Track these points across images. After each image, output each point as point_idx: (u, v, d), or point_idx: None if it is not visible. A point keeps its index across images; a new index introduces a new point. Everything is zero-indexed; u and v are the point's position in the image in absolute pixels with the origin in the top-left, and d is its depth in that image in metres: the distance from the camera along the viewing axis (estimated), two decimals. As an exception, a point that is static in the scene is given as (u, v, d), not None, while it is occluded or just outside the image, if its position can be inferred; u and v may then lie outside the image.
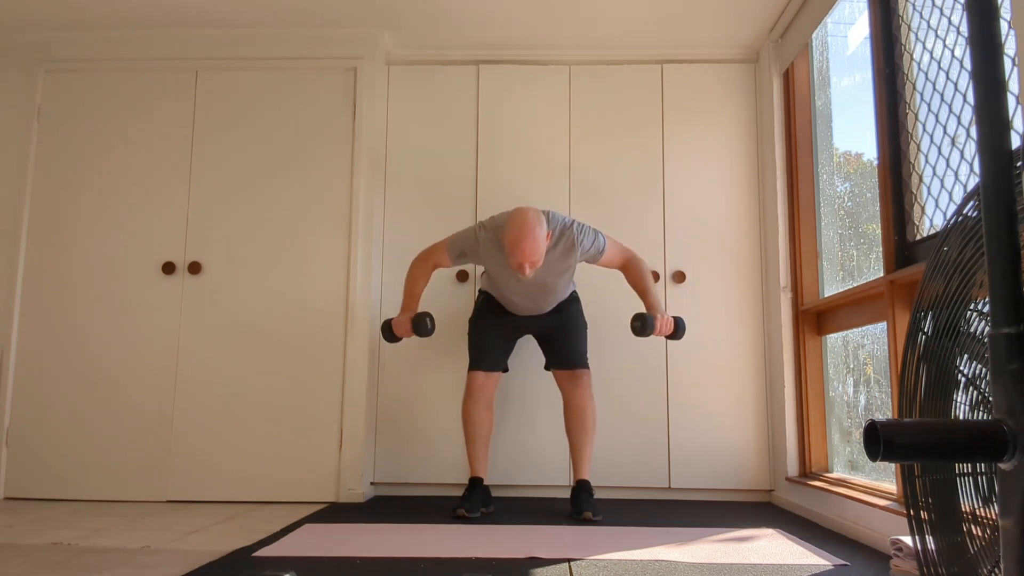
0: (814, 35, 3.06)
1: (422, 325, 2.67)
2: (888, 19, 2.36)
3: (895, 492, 2.27)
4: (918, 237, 2.20)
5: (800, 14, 3.00)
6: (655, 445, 3.24)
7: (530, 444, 3.26)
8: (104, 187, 3.29)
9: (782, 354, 3.08)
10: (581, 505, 2.68)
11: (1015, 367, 0.89)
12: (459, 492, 3.17)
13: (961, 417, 1.15)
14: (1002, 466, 0.90)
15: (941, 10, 2.02)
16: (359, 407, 3.13)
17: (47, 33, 3.35)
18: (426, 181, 3.43)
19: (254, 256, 3.24)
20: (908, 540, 1.83)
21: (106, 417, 3.15)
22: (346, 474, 3.08)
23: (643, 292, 2.78)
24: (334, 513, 2.77)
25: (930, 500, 1.21)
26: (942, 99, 2.02)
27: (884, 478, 2.48)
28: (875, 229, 2.59)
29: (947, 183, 1.99)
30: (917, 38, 2.21)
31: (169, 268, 3.22)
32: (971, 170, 1.86)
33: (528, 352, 3.21)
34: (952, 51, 1.97)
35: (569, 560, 2.00)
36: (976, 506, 1.10)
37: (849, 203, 2.94)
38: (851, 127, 2.89)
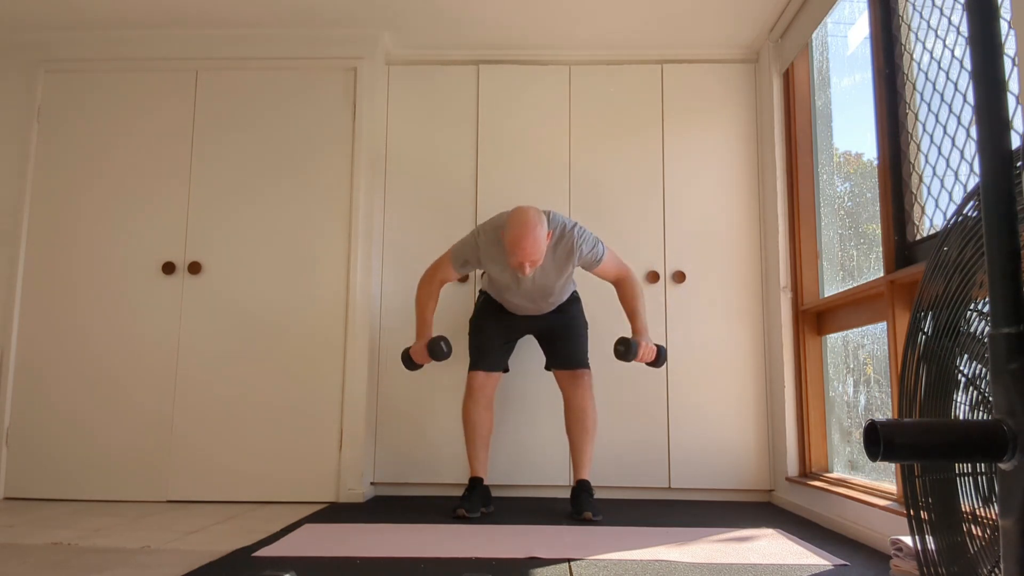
0: (814, 35, 3.06)
1: (437, 350, 2.68)
2: (888, 19, 2.36)
3: (895, 492, 2.27)
4: (918, 237, 2.20)
5: (800, 14, 3.00)
6: (655, 445, 3.24)
7: (530, 444, 3.26)
8: (104, 187, 3.30)
9: (782, 354, 3.08)
10: (581, 505, 2.68)
11: (1015, 367, 0.89)
12: (459, 492, 3.16)
13: (961, 417, 1.15)
14: (1002, 466, 0.90)
15: (941, 10, 2.02)
16: (359, 407, 3.13)
17: (47, 33, 3.35)
18: (426, 181, 3.43)
19: (254, 256, 3.24)
20: (908, 540, 1.83)
21: (106, 417, 3.15)
22: (346, 474, 3.08)
23: (632, 313, 2.76)
24: (334, 513, 2.77)
25: (930, 500, 1.21)
26: (942, 99, 2.02)
27: (884, 478, 2.48)
28: (875, 229, 2.59)
29: (947, 183, 1.99)
30: (917, 38, 2.21)
31: (169, 268, 3.22)
32: (971, 170, 1.86)
33: (528, 352, 3.21)
34: (952, 51, 1.97)
35: (569, 560, 2.00)
36: (976, 506, 1.10)
37: (849, 203, 2.94)
38: (851, 127, 2.89)
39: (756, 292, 3.32)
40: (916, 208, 2.22)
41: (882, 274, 2.30)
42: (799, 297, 3.07)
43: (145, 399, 3.16)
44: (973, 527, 1.10)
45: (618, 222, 3.36)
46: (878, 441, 0.88)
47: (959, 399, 1.15)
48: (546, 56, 3.48)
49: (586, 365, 2.88)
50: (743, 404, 3.26)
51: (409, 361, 2.76)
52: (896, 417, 1.24)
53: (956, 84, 1.94)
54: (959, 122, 1.93)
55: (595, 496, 2.84)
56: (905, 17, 2.30)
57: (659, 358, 2.73)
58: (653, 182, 3.39)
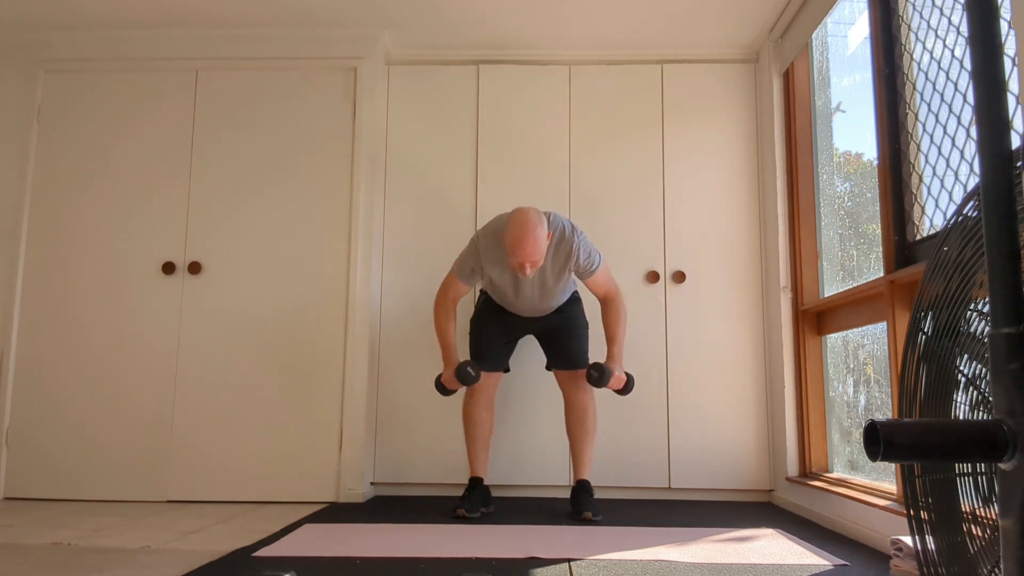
0: (814, 35, 3.06)
1: (465, 376, 2.70)
2: (888, 19, 2.36)
3: (895, 492, 2.27)
4: (918, 237, 2.20)
5: (800, 14, 3.00)
6: (655, 445, 3.24)
7: (530, 444, 3.26)
8: (104, 187, 3.30)
9: (782, 354, 3.08)
10: (581, 505, 2.68)
11: (1015, 367, 0.89)
12: (459, 492, 3.16)
13: (961, 417, 1.15)
14: (1002, 466, 0.90)
15: (941, 10, 2.02)
16: (359, 407, 3.13)
17: (47, 33, 3.35)
18: (426, 181, 3.43)
19: (254, 256, 3.24)
20: (908, 540, 1.83)
21: (106, 417, 3.15)
22: (346, 474, 3.09)
23: (612, 338, 2.76)
24: (334, 513, 2.77)
25: (930, 500, 1.21)
26: (942, 99, 2.02)
27: (884, 478, 2.48)
28: (875, 229, 2.59)
29: (947, 183, 1.99)
30: (917, 38, 2.21)
31: (169, 268, 3.22)
32: (971, 170, 1.86)
33: (528, 352, 3.21)
34: (952, 51, 1.97)
35: (569, 560, 2.00)
36: (976, 506, 1.09)
37: (849, 203, 2.94)
38: (851, 127, 2.89)
39: (756, 292, 3.32)
40: (916, 208, 2.22)
41: (882, 274, 2.30)
42: (799, 297, 3.07)
43: (145, 399, 3.16)
44: (973, 527, 1.10)
45: (618, 222, 3.36)
46: (878, 441, 0.88)
47: (959, 399, 1.15)
48: (546, 56, 3.48)
49: (587, 365, 2.88)
50: (743, 404, 3.26)
51: (443, 388, 2.80)
52: (896, 417, 1.23)
53: (956, 84, 1.94)
54: (959, 122, 1.93)
55: (595, 496, 2.84)
56: (905, 17, 2.30)
57: (626, 387, 2.77)
58: (653, 182, 3.39)
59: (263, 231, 3.26)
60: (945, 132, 2.00)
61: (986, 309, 1.10)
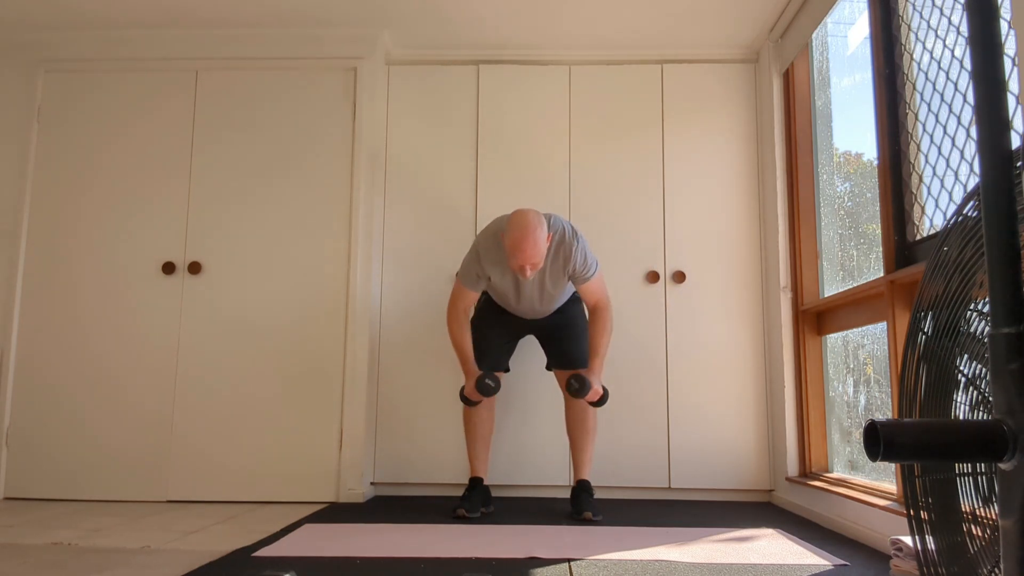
0: (814, 35, 3.06)
1: (485, 388, 2.71)
2: (888, 19, 2.36)
3: (895, 492, 2.27)
4: (918, 237, 2.20)
5: (800, 14, 3.00)
6: (655, 445, 3.24)
7: (530, 444, 3.26)
8: (104, 187, 3.30)
9: (782, 354, 3.08)
10: (581, 505, 2.68)
11: (1015, 367, 0.89)
12: (459, 492, 3.17)
13: (961, 417, 1.15)
14: (1002, 466, 0.90)
15: (941, 10, 2.02)
16: (359, 407, 3.13)
17: (47, 33, 3.35)
18: (426, 181, 3.43)
19: (254, 256, 3.24)
20: (908, 540, 1.83)
21: (106, 417, 3.15)
22: (346, 474, 3.09)
23: (594, 350, 2.74)
24: (334, 513, 2.77)
25: (930, 500, 1.21)
26: (942, 99, 2.02)
27: (884, 478, 2.48)
28: (875, 229, 2.59)
29: (947, 183, 1.99)
30: (917, 38, 2.21)
31: (169, 268, 3.22)
32: (971, 170, 1.86)
33: (528, 352, 3.21)
34: (952, 51, 1.97)
35: (569, 560, 2.00)
36: (976, 506, 1.09)
37: (849, 203, 2.94)
38: (851, 127, 2.89)
39: (756, 292, 3.32)
40: (916, 208, 2.22)
41: (882, 274, 2.30)
42: (799, 297, 3.07)
43: (145, 399, 3.16)
44: (973, 527, 1.10)
45: (618, 222, 3.36)
46: (878, 441, 0.88)
47: (959, 399, 1.15)
48: (546, 56, 3.48)
49: (587, 365, 2.88)
50: (743, 404, 3.26)
51: (468, 401, 2.82)
52: (896, 417, 1.24)
53: (956, 84, 1.94)
54: (959, 122, 1.93)
55: (595, 496, 2.84)
56: (905, 17, 2.30)
57: (601, 400, 2.78)
58: (653, 182, 3.39)
59: (263, 231, 3.26)
60: (945, 132, 2.00)
61: (986, 309, 1.10)
